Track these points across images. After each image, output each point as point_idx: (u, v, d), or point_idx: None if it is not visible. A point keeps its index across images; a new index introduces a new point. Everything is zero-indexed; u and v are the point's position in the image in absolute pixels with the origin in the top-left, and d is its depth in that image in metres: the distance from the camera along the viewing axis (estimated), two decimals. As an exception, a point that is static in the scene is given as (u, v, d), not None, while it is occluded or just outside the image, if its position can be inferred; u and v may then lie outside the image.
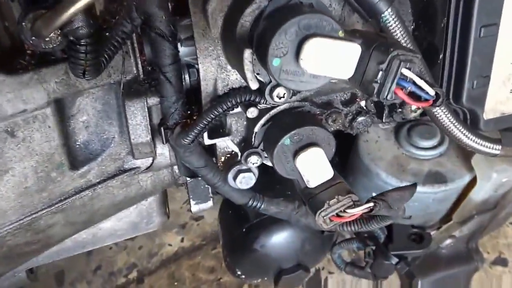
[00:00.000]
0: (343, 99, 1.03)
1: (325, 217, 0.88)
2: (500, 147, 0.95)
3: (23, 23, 0.78)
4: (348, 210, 0.87)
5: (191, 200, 1.22)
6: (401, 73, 0.69)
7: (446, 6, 0.85)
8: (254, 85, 0.77)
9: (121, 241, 1.88)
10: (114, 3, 0.89)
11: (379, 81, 0.69)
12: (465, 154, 1.25)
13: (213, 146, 1.06)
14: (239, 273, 1.45)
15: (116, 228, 1.26)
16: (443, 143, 1.29)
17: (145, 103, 0.98)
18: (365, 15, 0.82)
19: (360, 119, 1.04)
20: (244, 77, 0.78)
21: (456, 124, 0.89)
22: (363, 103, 1.05)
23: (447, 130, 0.91)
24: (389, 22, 0.80)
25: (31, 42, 0.81)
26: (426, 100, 0.72)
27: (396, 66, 0.68)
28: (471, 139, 0.92)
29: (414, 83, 0.70)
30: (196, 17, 0.85)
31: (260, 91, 0.85)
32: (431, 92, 0.71)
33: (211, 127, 1.02)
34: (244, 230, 1.37)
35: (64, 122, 0.98)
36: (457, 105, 0.91)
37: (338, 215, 0.88)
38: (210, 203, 1.24)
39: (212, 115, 0.89)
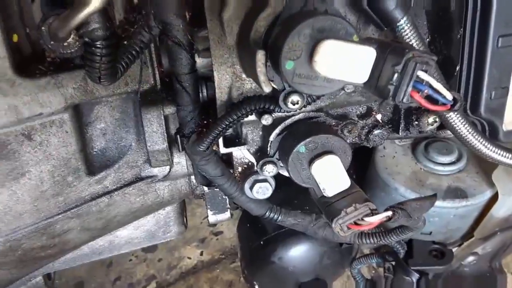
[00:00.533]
0: (358, 112, 1.02)
1: (342, 225, 0.86)
2: (522, 159, 0.92)
3: (43, 28, 0.80)
4: (366, 218, 0.86)
5: (208, 210, 1.22)
6: (417, 76, 0.67)
7: (462, 17, 0.83)
8: (267, 88, 0.76)
9: (141, 253, 1.89)
10: (133, 12, 0.90)
11: (394, 84, 0.67)
12: (485, 170, 1.22)
13: (230, 157, 1.06)
14: (256, 286, 1.42)
15: (133, 236, 1.25)
16: (461, 159, 1.26)
17: (162, 111, 0.99)
18: (381, 23, 0.81)
19: (376, 132, 1.02)
20: (256, 81, 0.77)
21: (475, 134, 0.87)
22: (379, 117, 1.03)
23: (466, 141, 0.88)
24: (404, 31, 0.80)
25: (50, 46, 0.83)
26: (444, 104, 0.70)
27: (412, 68, 0.66)
28: (491, 150, 0.89)
29: (431, 86, 0.68)
30: (212, 25, 0.84)
31: (274, 98, 0.84)
32: (449, 96, 0.69)
33: (227, 136, 1.02)
34: (262, 242, 1.35)
35: (81, 129, 1.00)
36: (475, 116, 0.88)
37: (355, 223, 0.86)
38: (227, 214, 1.23)
39: (226, 122, 0.88)
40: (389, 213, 0.85)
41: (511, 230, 1.27)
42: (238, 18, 0.83)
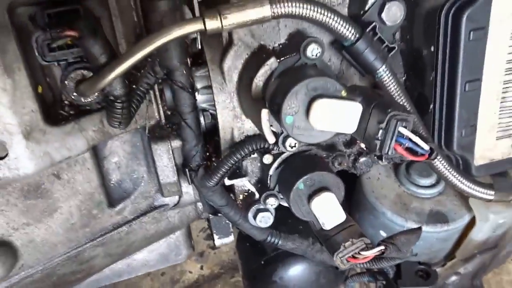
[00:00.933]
0: (344, 140, 1.12)
1: (342, 258, 0.97)
2: (493, 192, 1.04)
3: (66, 82, 0.93)
4: (362, 252, 0.97)
5: (214, 234, 1.33)
6: (399, 131, 0.79)
7: (433, 61, 0.94)
8: (272, 140, 0.88)
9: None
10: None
11: (380, 138, 0.79)
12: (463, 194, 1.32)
13: (232, 186, 1.17)
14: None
15: (148, 259, 1.37)
16: (440, 181, 1.35)
17: (170, 146, 1.10)
18: (362, 70, 0.93)
19: (362, 159, 1.13)
20: (262, 132, 0.89)
21: (451, 170, 0.98)
22: (363, 145, 1.15)
23: (444, 177, 1.00)
24: (383, 78, 0.90)
25: (73, 97, 0.96)
26: (422, 154, 0.82)
27: (393, 125, 0.78)
28: (466, 185, 1.01)
29: (410, 139, 0.80)
30: (214, 74, 0.97)
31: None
32: (426, 147, 0.81)
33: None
34: (262, 262, 1.46)
35: (99, 164, 1.11)
36: (449, 151, 0.99)
37: (353, 257, 0.98)
38: (231, 238, 1.35)
39: (232, 161, 1.00)
40: (382, 247, 0.96)
41: (490, 252, 1.39)
42: (236, 68, 0.95)
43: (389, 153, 0.80)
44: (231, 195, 1.17)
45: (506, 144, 1.02)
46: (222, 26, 0.79)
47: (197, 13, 1.00)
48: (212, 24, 0.78)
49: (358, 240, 0.97)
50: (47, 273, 1.13)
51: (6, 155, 0.93)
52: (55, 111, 1.01)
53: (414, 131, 0.81)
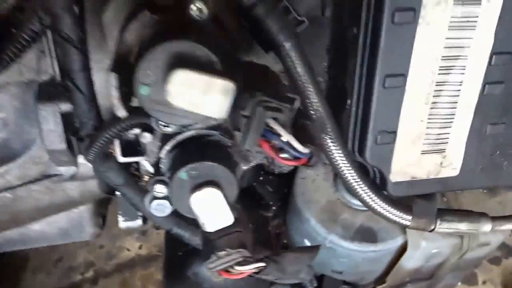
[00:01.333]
0: None
1: (213, 269, 0.82)
2: (411, 217, 0.85)
3: None
4: (236, 267, 0.82)
5: (119, 216, 1.19)
6: (266, 123, 0.62)
7: (356, 46, 0.75)
8: (120, 113, 0.72)
9: (87, 239, 1.93)
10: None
11: (240, 129, 0.62)
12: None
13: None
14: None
15: (46, 232, 1.23)
16: None
17: (58, 108, 0.94)
18: (264, 46, 0.75)
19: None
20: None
21: (359, 183, 0.80)
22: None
23: (352, 190, 0.82)
24: (286, 58, 0.71)
25: None
26: (297, 158, 0.65)
27: (259, 114, 0.61)
28: (377, 204, 0.81)
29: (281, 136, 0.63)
30: (92, 27, 0.81)
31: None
32: (302, 149, 0.64)
33: (127, 144, 0.98)
34: (180, 253, 1.32)
35: (-22, 119, 0.97)
36: (362, 160, 0.81)
37: (226, 270, 0.82)
38: (139, 222, 1.19)
39: (107, 135, 0.85)
40: (262, 264, 0.81)
41: (424, 283, 1.20)
42: (118, 22, 0.78)
43: (250, 149, 0.63)
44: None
45: (433, 160, 0.82)
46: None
47: None
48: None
49: (234, 251, 0.81)
50: None
51: None
52: None
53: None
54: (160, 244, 2.05)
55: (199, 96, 0.64)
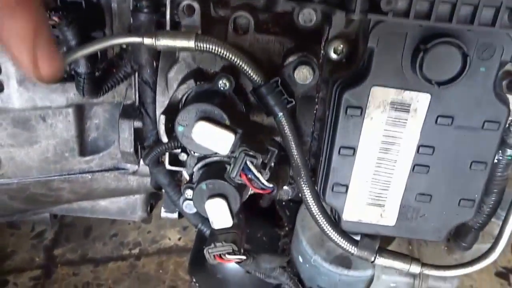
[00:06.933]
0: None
1: (210, 254, 1.19)
2: (356, 248, 1.17)
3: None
4: (227, 255, 1.18)
5: (162, 207, 1.59)
6: (245, 164, 1.00)
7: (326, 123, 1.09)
8: (164, 139, 1.13)
9: (138, 222, 2.34)
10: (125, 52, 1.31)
11: (231, 164, 1.00)
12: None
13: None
14: (194, 280, 1.77)
15: (109, 208, 1.67)
16: None
17: (132, 124, 1.37)
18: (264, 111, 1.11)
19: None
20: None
21: (320, 215, 1.14)
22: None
23: (314, 219, 1.16)
24: (280, 123, 1.06)
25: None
26: (263, 189, 1.02)
27: (241, 157, 0.99)
28: (331, 232, 1.14)
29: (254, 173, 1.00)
30: (161, 79, 1.23)
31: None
32: (265, 183, 1.01)
33: (175, 157, 1.38)
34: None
35: (82, 120, 1.41)
36: (323, 199, 1.12)
37: (220, 256, 1.19)
38: (175, 215, 1.60)
39: (158, 150, 1.25)
40: (243, 257, 1.17)
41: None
42: (177, 79, 1.20)
43: (235, 179, 1.01)
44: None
45: (375, 211, 1.14)
46: (155, 44, 1.04)
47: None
48: (147, 41, 1.04)
49: (227, 244, 1.18)
50: (21, 187, 1.46)
51: (2, 90, 1.26)
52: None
53: (263, 167, 1.01)
54: (196, 240, 2.45)
55: (211, 138, 1.03)
